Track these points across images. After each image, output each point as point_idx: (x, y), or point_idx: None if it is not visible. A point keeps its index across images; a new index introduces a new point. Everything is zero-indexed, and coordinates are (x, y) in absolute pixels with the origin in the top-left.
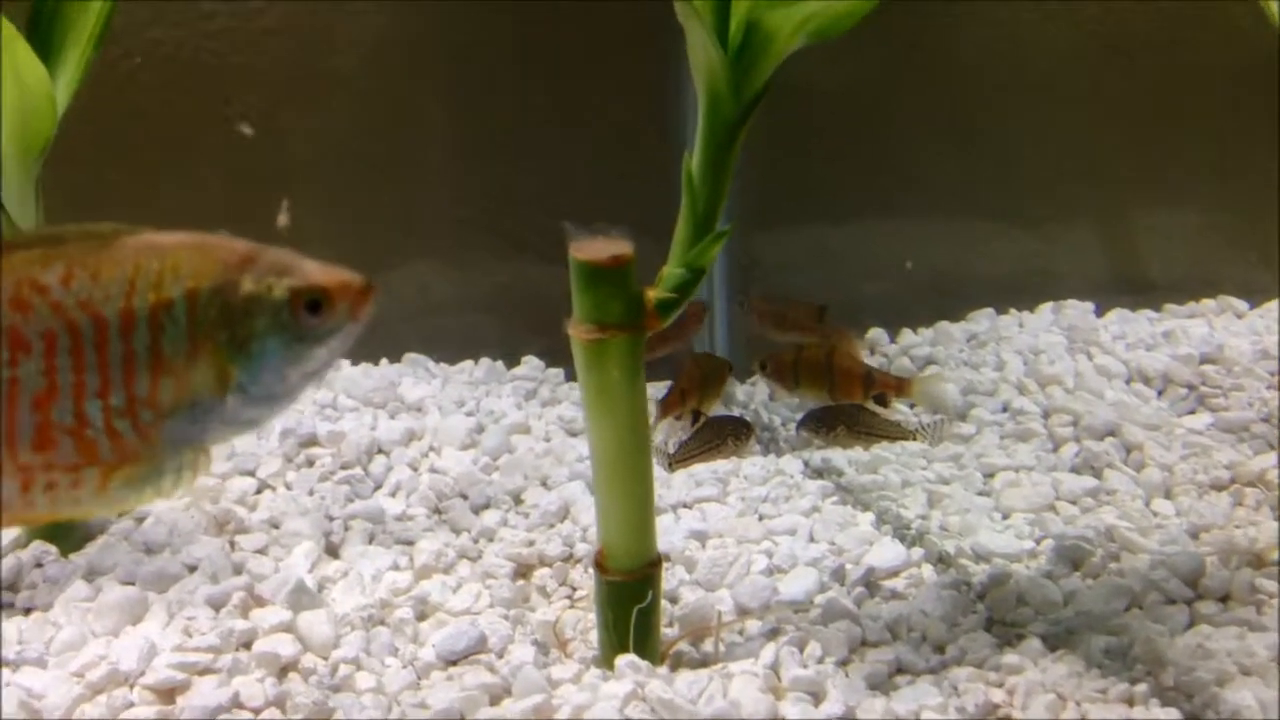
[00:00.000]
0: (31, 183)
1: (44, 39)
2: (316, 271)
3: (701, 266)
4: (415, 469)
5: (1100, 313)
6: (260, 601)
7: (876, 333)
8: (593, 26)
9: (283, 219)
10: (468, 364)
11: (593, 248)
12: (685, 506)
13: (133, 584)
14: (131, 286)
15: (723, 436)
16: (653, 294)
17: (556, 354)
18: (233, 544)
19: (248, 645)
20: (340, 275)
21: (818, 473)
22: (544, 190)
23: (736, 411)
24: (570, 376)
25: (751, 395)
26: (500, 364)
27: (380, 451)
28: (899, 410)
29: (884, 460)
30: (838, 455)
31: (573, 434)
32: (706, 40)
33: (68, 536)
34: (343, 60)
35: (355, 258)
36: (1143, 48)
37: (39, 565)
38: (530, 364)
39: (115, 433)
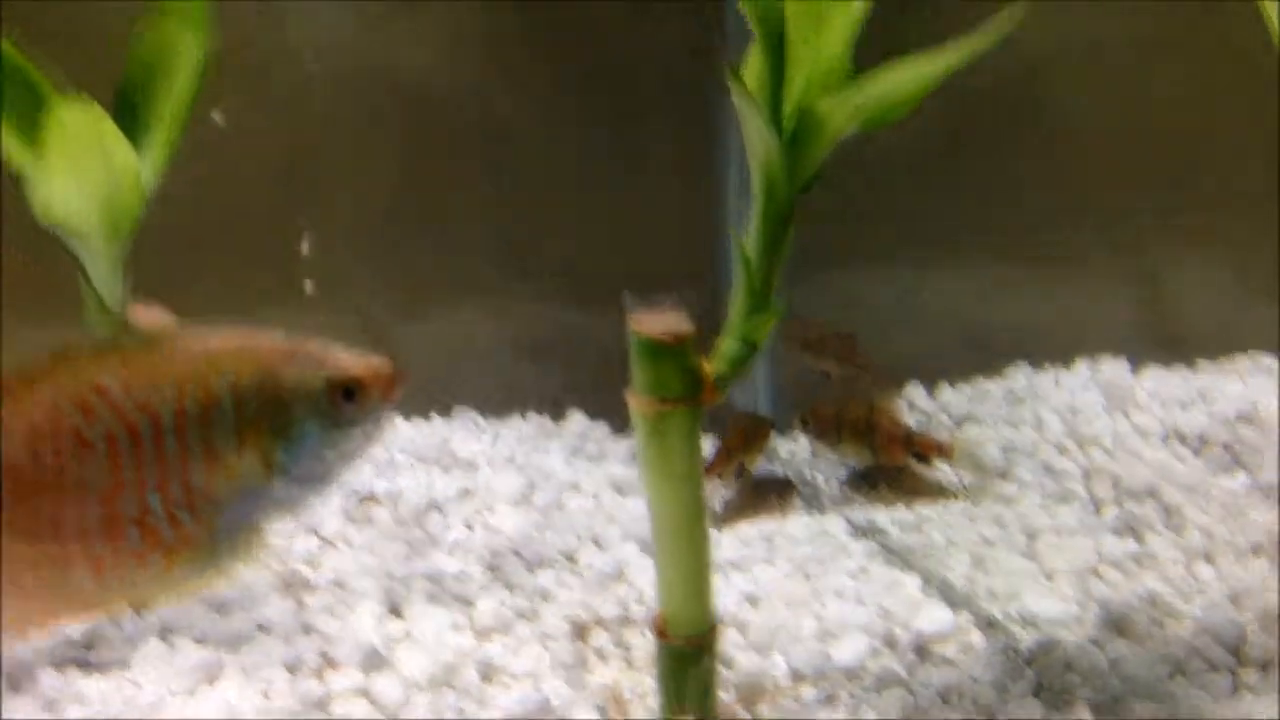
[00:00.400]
0: (120, 264)
1: (130, 119)
2: (349, 361)
3: (757, 341)
4: (470, 527)
5: (1135, 369)
6: (333, 663)
7: (914, 388)
8: (640, 70)
9: (304, 248)
10: (515, 419)
11: (652, 321)
12: (733, 566)
13: (205, 643)
14: (182, 386)
15: (766, 495)
16: (711, 368)
17: (600, 407)
18: (300, 602)
19: (323, 707)
20: (371, 364)
21: (862, 532)
22: (584, 236)
23: (778, 467)
24: (616, 430)
25: (794, 452)
26: (547, 419)
27: (436, 509)
28: (940, 469)
29: (927, 520)
30: (881, 514)
31: (622, 492)
32: (763, 127)
33: None
34: (387, 102)
35: (395, 305)
36: (1172, 96)
37: (114, 623)
38: (576, 420)
39: (176, 521)
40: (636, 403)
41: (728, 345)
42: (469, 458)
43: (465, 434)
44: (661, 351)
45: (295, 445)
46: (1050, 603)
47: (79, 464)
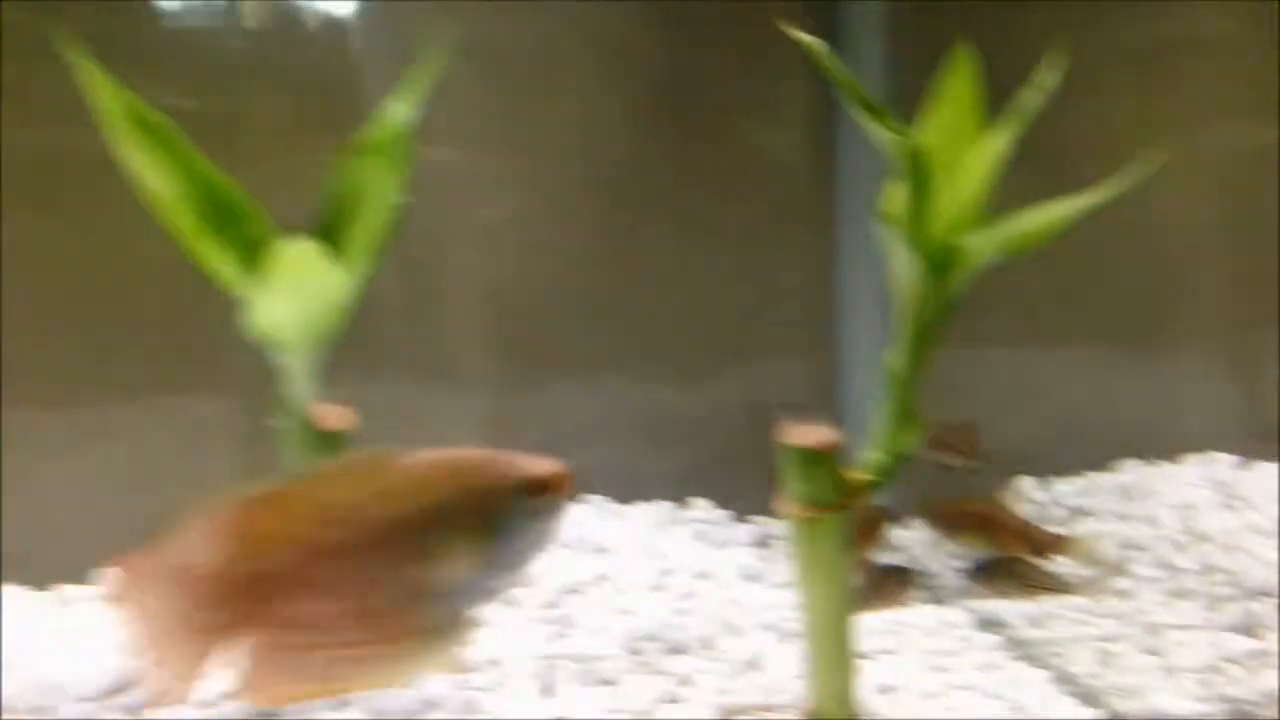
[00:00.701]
0: (316, 372)
1: (331, 243)
2: (535, 465)
3: (902, 452)
4: (609, 611)
5: (1243, 464)
6: None
7: (1024, 479)
8: (749, 150)
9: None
10: (642, 504)
11: (802, 432)
12: (864, 657)
13: (381, 718)
14: (404, 498)
15: (888, 585)
16: (858, 476)
17: (723, 493)
18: (459, 680)
19: None
20: (552, 466)
21: (987, 625)
22: (698, 320)
23: (898, 556)
24: (739, 517)
25: (911, 541)
26: (673, 504)
27: (576, 592)
28: (1057, 562)
29: (1050, 615)
30: (1004, 607)
31: (750, 580)
32: (909, 258)
33: None
34: (510, 187)
35: (521, 391)
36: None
37: None
38: (701, 505)
39: (402, 613)
40: (790, 509)
41: (875, 456)
42: (602, 543)
43: (597, 519)
44: (813, 461)
45: (496, 540)
46: (1176, 700)
47: (322, 569)
